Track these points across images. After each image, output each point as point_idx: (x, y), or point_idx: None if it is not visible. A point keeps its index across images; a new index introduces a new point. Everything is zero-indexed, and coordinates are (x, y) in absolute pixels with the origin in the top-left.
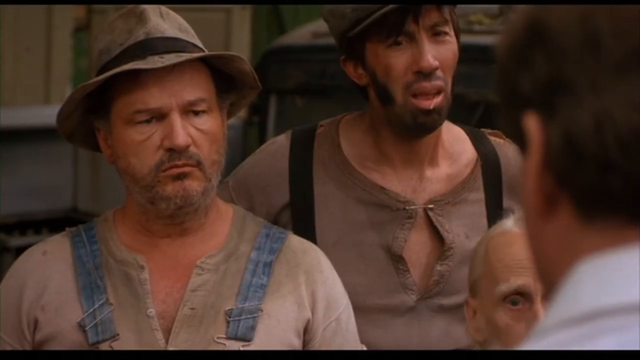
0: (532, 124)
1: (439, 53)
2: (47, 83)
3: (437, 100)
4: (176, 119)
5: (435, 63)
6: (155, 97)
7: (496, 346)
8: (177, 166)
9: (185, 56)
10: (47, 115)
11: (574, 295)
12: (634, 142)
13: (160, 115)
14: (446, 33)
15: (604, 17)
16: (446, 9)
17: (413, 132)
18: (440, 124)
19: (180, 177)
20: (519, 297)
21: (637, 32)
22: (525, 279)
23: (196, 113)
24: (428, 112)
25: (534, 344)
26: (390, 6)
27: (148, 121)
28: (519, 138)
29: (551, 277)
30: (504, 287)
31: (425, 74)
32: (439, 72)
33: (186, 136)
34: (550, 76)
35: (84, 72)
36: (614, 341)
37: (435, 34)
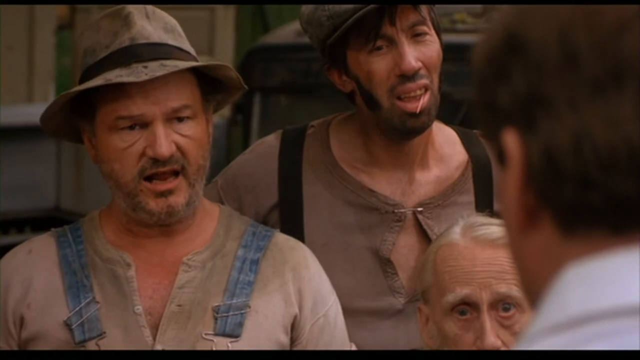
0: (511, 141)
1: (421, 54)
2: (29, 82)
3: (423, 102)
4: (159, 128)
5: (418, 64)
6: (138, 105)
7: None
8: (160, 173)
9: (169, 67)
10: (30, 113)
11: (560, 301)
12: (612, 160)
13: (143, 123)
14: (426, 33)
15: (582, 31)
16: (423, 8)
17: (403, 135)
18: (430, 124)
19: (165, 194)
20: (467, 307)
21: (615, 48)
22: (471, 288)
23: (180, 119)
24: (416, 115)
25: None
26: (364, 10)
27: (131, 127)
28: (497, 149)
29: (535, 288)
30: (450, 297)
31: (409, 76)
32: (422, 72)
33: (169, 145)
34: (529, 91)
35: (67, 70)
36: (606, 348)
37: (416, 34)
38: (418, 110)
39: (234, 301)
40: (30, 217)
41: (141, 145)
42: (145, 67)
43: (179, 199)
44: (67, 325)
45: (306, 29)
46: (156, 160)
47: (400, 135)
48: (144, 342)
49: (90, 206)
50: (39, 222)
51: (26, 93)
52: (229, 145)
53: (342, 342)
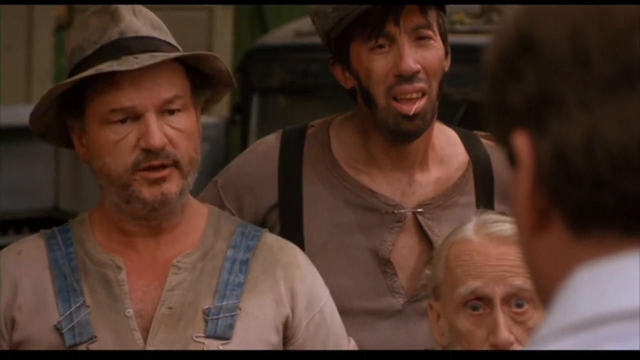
0: (522, 142)
1: (422, 57)
2: (28, 82)
3: (418, 105)
4: (151, 119)
5: (417, 67)
6: (130, 97)
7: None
8: (154, 167)
9: (160, 57)
10: (28, 114)
11: (572, 302)
12: (623, 160)
13: (135, 116)
14: (430, 37)
15: (593, 31)
16: (431, 13)
17: (397, 137)
18: (425, 129)
19: (159, 181)
20: (479, 302)
21: (626, 47)
22: (483, 281)
23: (171, 112)
24: (410, 117)
25: None
26: (368, 5)
27: (123, 121)
28: (508, 149)
29: (546, 289)
30: (462, 290)
31: (406, 77)
32: (421, 75)
33: (162, 136)
34: (540, 91)
35: (66, 71)
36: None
37: (419, 37)
38: (412, 113)
39: (224, 303)
40: (29, 217)
41: (133, 137)
42: (136, 57)
43: (172, 187)
44: (58, 329)
45: (314, 19)
46: (149, 152)
47: (394, 136)
48: (135, 345)
49: (89, 207)
50: (38, 223)
51: (25, 93)
52: (228, 145)
53: (340, 336)
